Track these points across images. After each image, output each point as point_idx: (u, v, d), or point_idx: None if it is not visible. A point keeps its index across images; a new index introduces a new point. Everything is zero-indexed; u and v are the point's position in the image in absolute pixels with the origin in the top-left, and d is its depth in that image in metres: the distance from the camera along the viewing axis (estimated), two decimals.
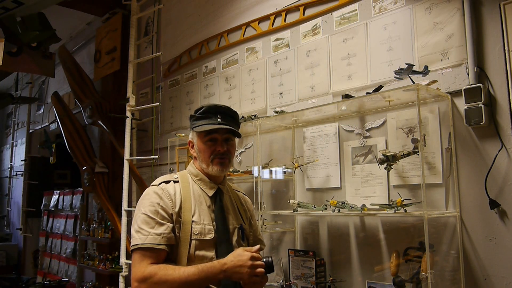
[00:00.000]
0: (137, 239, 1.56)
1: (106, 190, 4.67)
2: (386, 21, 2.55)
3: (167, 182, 1.70)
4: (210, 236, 1.64)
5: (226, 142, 1.73)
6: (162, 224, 1.58)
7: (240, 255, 1.52)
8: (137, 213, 1.64)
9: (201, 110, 1.74)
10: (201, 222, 1.64)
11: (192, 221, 1.63)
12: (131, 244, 1.60)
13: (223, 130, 1.71)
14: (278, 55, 3.19)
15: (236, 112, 1.80)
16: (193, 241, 1.61)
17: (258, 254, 1.55)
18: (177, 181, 1.72)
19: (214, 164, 1.70)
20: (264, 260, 1.56)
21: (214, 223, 1.67)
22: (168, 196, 1.64)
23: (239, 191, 1.94)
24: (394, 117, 2.47)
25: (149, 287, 1.50)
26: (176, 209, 1.62)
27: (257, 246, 1.59)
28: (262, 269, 1.52)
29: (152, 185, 1.70)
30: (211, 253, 1.62)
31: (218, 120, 1.70)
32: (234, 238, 1.71)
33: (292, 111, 2.88)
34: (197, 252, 1.61)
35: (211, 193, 1.73)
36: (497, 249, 2.04)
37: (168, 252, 1.59)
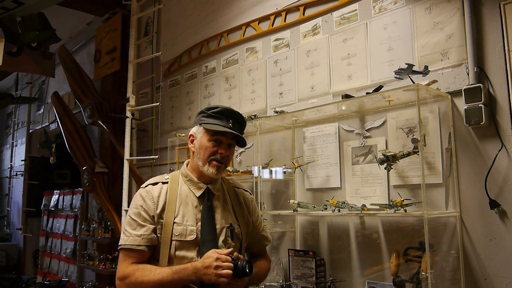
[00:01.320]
0: (121, 240, 1.66)
1: (106, 190, 4.67)
2: (386, 21, 2.55)
3: (155, 184, 1.74)
4: (192, 237, 1.66)
5: (229, 147, 1.75)
6: (143, 226, 1.65)
7: (207, 257, 1.55)
8: (126, 215, 1.70)
9: (215, 110, 1.74)
10: (183, 223, 1.67)
11: (174, 223, 1.66)
12: (118, 244, 1.69)
13: (229, 135, 1.72)
14: (278, 55, 3.19)
15: (245, 122, 1.83)
16: (173, 242, 1.65)
17: (226, 256, 1.54)
18: (166, 182, 1.75)
19: (211, 165, 1.71)
20: (237, 263, 1.55)
21: (200, 223, 1.68)
22: (151, 198, 1.68)
23: (239, 188, 1.93)
24: (394, 117, 2.47)
25: (127, 286, 1.60)
26: (158, 211, 1.67)
27: (230, 249, 1.59)
28: (228, 271, 1.51)
29: (140, 187, 1.76)
30: (192, 254, 1.65)
31: (229, 124, 1.72)
32: (221, 238, 1.71)
33: (292, 111, 2.88)
34: (177, 253, 1.64)
35: (198, 193, 1.74)
36: (497, 249, 2.04)
37: (151, 252, 1.65)
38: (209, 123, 1.73)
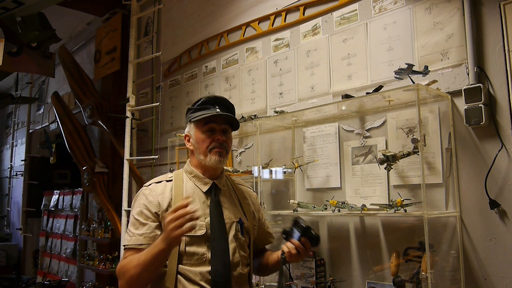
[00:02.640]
0: (124, 240, 1.67)
1: (106, 190, 4.67)
2: (386, 21, 2.55)
3: (158, 182, 1.73)
4: (201, 232, 1.63)
5: (224, 133, 1.72)
6: (144, 224, 1.63)
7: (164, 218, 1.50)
8: (130, 214, 1.71)
9: (199, 101, 1.74)
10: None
11: None
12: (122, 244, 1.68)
13: (221, 121, 1.71)
14: (278, 55, 3.19)
15: (233, 105, 1.80)
16: (183, 238, 1.60)
17: (173, 209, 1.46)
18: (170, 180, 1.73)
19: (212, 154, 1.68)
20: (314, 233, 1.56)
21: (208, 218, 1.66)
22: (154, 196, 1.66)
23: (243, 185, 1.92)
24: (394, 117, 2.47)
25: (120, 278, 1.59)
26: (164, 207, 1.64)
27: (184, 201, 1.48)
28: (179, 221, 1.42)
29: (143, 186, 1.74)
30: (203, 249, 1.62)
31: (217, 110, 1.70)
32: (232, 233, 1.69)
33: (292, 111, 2.88)
34: (188, 248, 1.61)
35: (205, 188, 1.72)
36: (497, 249, 2.04)
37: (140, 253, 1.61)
38: (196, 116, 1.72)
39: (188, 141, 1.78)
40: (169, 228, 1.45)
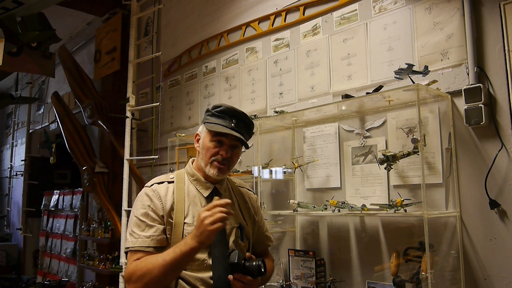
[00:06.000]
0: (129, 242, 1.60)
1: (106, 190, 4.67)
2: (386, 21, 2.56)
3: (160, 183, 1.69)
4: None
5: (232, 149, 1.69)
6: (152, 227, 1.59)
7: (197, 218, 1.49)
8: (131, 215, 1.66)
9: (218, 109, 1.69)
10: (193, 223, 1.61)
11: (184, 223, 1.61)
12: (125, 246, 1.64)
13: (232, 136, 1.66)
14: (278, 55, 3.19)
15: (252, 122, 1.74)
16: None
17: (212, 203, 1.47)
18: (172, 182, 1.70)
19: (212, 166, 1.67)
20: (252, 263, 1.52)
21: None
22: (159, 198, 1.63)
23: (243, 187, 1.90)
24: (394, 117, 2.47)
25: (136, 281, 1.51)
26: (167, 211, 1.61)
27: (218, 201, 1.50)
28: (219, 214, 1.43)
29: (145, 186, 1.70)
30: (204, 255, 1.60)
31: (232, 125, 1.65)
32: (232, 239, 1.68)
33: (292, 111, 2.88)
34: None
35: (206, 193, 1.70)
36: (497, 249, 2.04)
37: (159, 254, 1.58)
38: (211, 122, 1.68)
39: (198, 141, 1.75)
40: (206, 223, 1.43)
